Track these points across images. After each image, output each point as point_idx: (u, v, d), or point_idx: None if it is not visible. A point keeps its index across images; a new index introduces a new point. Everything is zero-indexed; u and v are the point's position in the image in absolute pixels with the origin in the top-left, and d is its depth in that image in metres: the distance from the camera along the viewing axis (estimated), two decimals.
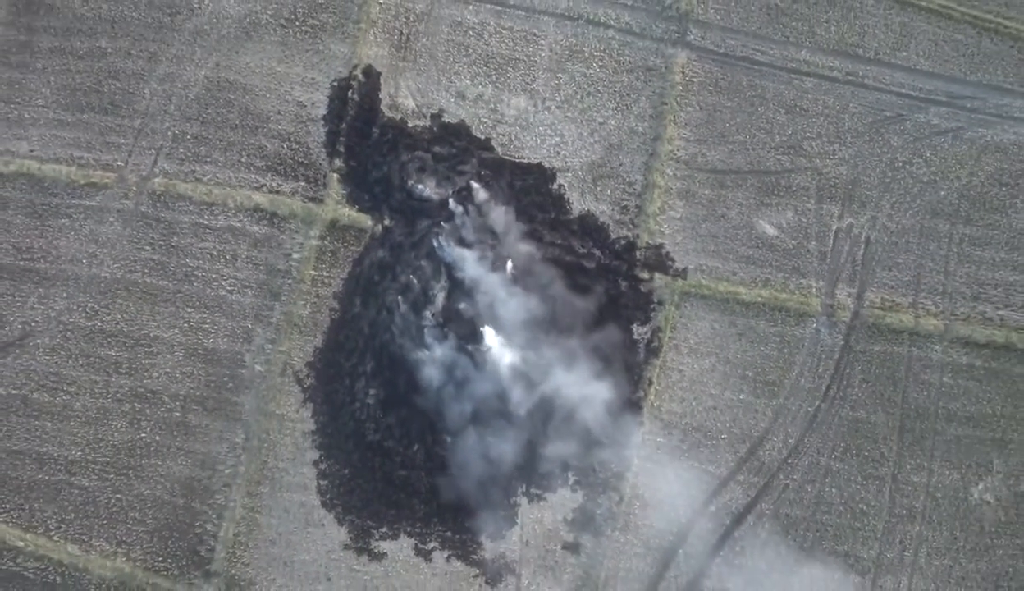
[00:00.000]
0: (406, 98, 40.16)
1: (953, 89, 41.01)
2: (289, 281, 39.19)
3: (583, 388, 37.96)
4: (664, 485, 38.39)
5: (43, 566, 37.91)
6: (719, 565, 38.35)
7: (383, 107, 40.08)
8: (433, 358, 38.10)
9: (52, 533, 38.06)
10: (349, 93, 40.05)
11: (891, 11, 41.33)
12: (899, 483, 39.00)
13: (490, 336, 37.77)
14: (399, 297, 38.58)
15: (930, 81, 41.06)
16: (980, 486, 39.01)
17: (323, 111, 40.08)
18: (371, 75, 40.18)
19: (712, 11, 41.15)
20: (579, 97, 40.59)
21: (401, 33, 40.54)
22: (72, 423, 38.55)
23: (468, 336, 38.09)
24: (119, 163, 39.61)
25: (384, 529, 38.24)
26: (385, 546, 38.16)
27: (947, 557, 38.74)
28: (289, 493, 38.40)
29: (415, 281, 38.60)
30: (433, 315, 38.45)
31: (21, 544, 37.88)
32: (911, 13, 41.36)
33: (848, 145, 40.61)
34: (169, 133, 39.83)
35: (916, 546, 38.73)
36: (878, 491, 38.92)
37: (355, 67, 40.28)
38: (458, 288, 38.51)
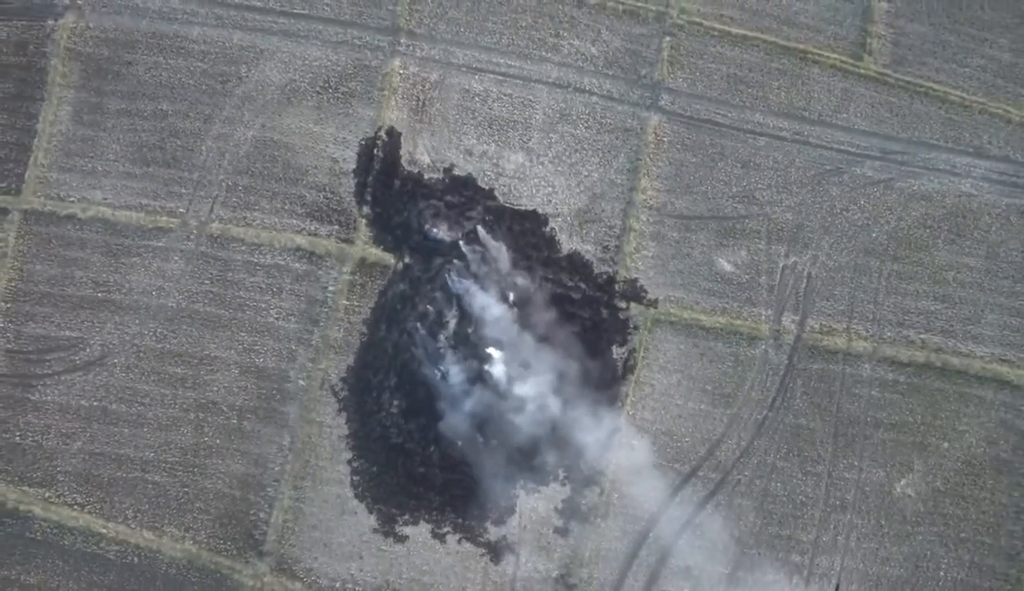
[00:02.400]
0: (423, 155, 41.81)
1: (886, 145, 42.51)
2: (326, 310, 40.88)
3: (572, 399, 39.72)
4: (638, 480, 40.08)
5: (123, 549, 39.76)
6: (683, 545, 40.07)
7: (403, 162, 41.66)
8: (447, 374, 39.78)
9: (130, 522, 39.97)
10: (374, 150, 41.59)
11: (834, 78, 42.90)
12: (833, 479, 40.59)
13: (494, 356, 39.54)
14: (418, 323, 40.24)
15: (866, 139, 42.50)
16: (902, 482, 40.76)
17: (353, 166, 41.63)
18: (393, 135, 41.82)
19: (681, 80, 42.76)
20: (568, 154, 42.14)
21: (418, 99, 42.23)
22: (145, 429, 40.28)
23: (476, 356, 39.79)
24: (181, 210, 41.35)
25: (406, 516, 39.94)
26: (407, 530, 39.93)
27: (874, 541, 40.47)
28: (327, 487, 40.06)
29: (431, 310, 40.24)
30: (446, 338, 40.07)
31: (104, 531, 39.80)
32: (852, 80, 42.95)
33: (794, 194, 42.15)
34: (223, 184, 41.51)
35: (847, 532, 40.41)
36: (815, 485, 40.58)
37: (379, 128, 41.83)
38: (467, 316, 40.13)
